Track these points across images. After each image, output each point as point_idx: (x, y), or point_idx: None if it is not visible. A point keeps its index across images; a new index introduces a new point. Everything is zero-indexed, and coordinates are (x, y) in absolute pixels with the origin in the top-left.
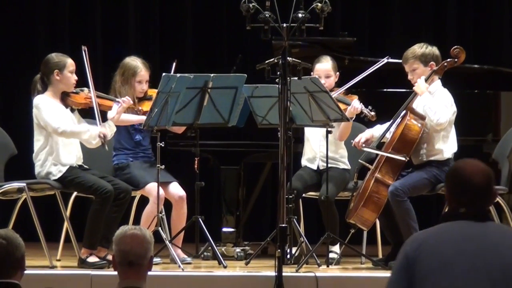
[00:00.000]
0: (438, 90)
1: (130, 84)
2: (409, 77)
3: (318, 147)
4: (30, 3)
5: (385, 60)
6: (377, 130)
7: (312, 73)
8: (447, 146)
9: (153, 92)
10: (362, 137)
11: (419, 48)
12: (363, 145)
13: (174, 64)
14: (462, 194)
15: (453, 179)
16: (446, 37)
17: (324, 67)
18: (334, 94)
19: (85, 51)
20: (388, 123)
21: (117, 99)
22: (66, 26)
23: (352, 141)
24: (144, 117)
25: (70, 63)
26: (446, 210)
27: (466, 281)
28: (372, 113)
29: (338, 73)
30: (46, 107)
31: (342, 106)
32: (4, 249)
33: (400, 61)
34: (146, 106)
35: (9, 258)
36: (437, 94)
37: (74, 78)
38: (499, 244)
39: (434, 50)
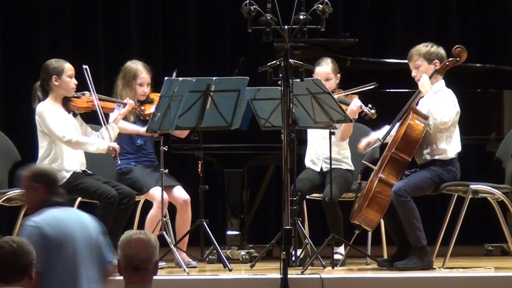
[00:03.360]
0: (441, 90)
1: (131, 87)
2: (413, 74)
3: (321, 149)
4: (32, 9)
5: (372, 86)
6: (381, 134)
7: (313, 75)
8: (450, 146)
9: (155, 96)
10: (364, 140)
11: (424, 47)
12: (366, 148)
13: (174, 73)
14: (52, 185)
15: (39, 177)
16: (448, 36)
17: (324, 70)
18: (334, 96)
19: (86, 70)
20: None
21: (119, 101)
22: (68, 32)
23: (358, 146)
24: (139, 128)
25: (68, 67)
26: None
27: (79, 249)
28: (372, 111)
29: (339, 75)
30: (50, 115)
31: (342, 106)
32: (12, 251)
33: (403, 61)
34: (148, 108)
35: (16, 261)
36: (441, 94)
37: (73, 82)
38: (86, 223)
39: (440, 49)
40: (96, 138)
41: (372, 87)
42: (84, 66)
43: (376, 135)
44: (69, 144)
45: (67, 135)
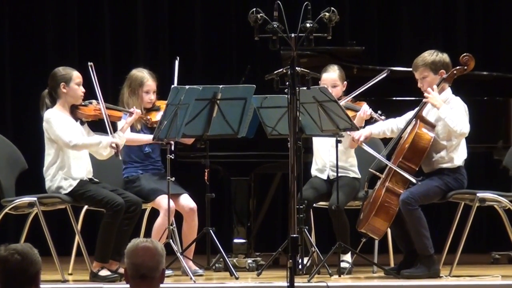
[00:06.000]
0: (450, 99)
1: (138, 95)
2: (419, 84)
3: (328, 157)
4: (39, 17)
5: (384, 74)
6: (375, 128)
7: (319, 82)
8: (458, 154)
9: (161, 103)
10: (361, 134)
11: (429, 56)
12: (363, 142)
13: (176, 62)
14: None
15: None
16: (456, 44)
17: (331, 76)
18: (342, 102)
19: (91, 66)
20: (388, 121)
21: (126, 110)
22: (75, 39)
23: (349, 133)
24: (150, 138)
25: (76, 75)
26: None
27: None
28: (383, 117)
29: (345, 82)
30: (57, 121)
31: (351, 113)
32: (18, 265)
33: (409, 69)
34: (154, 116)
35: (23, 274)
36: (451, 103)
37: (81, 90)
38: None
39: (445, 57)
40: (100, 137)
41: (385, 75)
42: (89, 63)
43: (369, 129)
44: (75, 148)
45: (73, 140)
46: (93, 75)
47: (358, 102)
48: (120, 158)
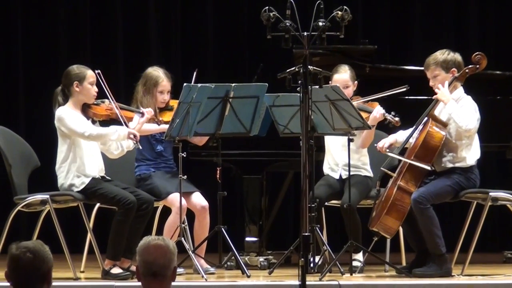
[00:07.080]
0: (462, 97)
1: (152, 94)
2: (431, 83)
3: (340, 156)
4: (51, 15)
5: (404, 89)
6: (400, 135)
7: (330, 82)
8: (470, 153)
9: (174, 103)
10: (386, 142)
11: (440, 55)
12: (387, 150)
13: (194, 73)
14: None
15: None
16: (468, 43)
17: (342, 77)
18: (354, 103)
19: (99, 74)
20: (410, 129)
21: (138, 110)
22: (87, 38)
23: (375, 145)
24: (165, 127)
25: (90, 74)
26: None
27: None
28: (396, 118)
29: (356, 81)
30: (69, 116)
31: (364, 114)
32: (30, 263)
33: (422, 68)
34: (167, 116)
35: (35, 273)
36: (462, 101)
37: (94, 89)
38: None
39: (456, 56)
40: (116, 126)
41: (404, 89)
42: (96, 71)
43: (394, 137)
44: (91, 138)
45: (88, 130)
46: (103, 82)
47: (371, 103)
48: (140, 147)
